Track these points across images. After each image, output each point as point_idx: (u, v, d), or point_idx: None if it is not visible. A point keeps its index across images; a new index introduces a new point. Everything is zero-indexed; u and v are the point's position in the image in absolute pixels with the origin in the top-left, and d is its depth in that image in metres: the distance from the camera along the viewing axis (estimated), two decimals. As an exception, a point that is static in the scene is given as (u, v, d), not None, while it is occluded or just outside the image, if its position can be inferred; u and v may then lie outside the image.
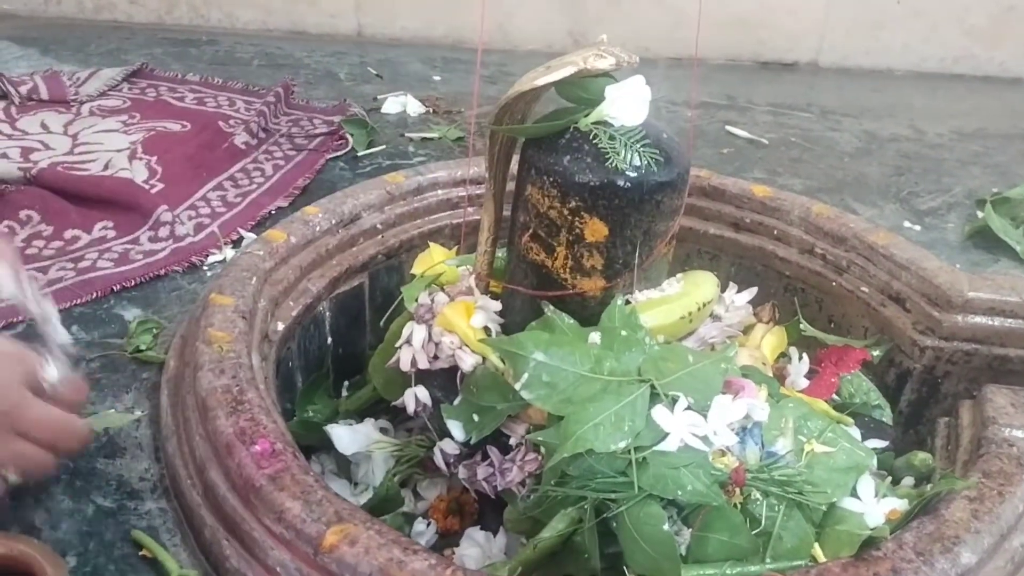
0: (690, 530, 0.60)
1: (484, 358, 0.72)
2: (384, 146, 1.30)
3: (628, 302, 0.71)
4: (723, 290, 0.82)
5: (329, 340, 0.95)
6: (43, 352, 0.63)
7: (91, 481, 0.68)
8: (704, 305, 0.76)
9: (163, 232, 1.02)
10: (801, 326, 0.86)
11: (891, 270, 0.90)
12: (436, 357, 0.75)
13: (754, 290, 0.83)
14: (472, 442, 0.70)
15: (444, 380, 0.76)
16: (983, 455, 0.66)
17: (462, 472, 0.73)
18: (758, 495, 0.61)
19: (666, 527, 0.57)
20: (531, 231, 0.72)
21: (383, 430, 0.86)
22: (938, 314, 0.86)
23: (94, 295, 0.90)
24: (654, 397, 0.62)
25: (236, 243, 1.02)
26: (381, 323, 0.86)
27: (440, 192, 1.02)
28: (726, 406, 0.62)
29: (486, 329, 0.75)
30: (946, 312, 0.85)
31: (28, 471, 0.61)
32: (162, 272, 0.94)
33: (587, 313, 0.71)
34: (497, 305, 0.76)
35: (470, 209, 0.98)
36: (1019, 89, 1.82)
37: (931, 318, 0.86)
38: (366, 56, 1.78)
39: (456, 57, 1.82)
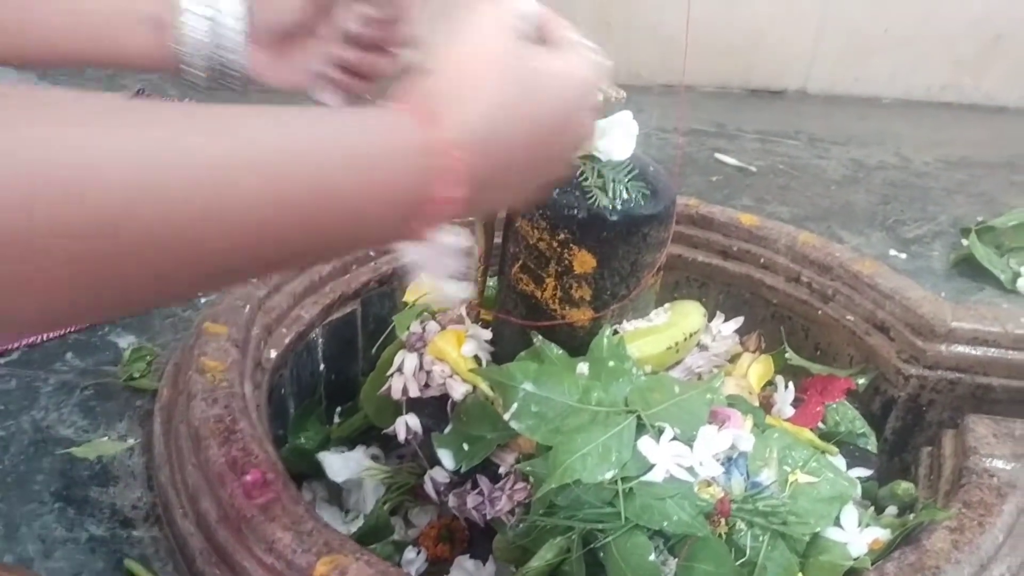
0: (676, 560, 0.61)
1: (475, 387, 0.73)
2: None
3: (616, 332, 0.72)
4: (710, 319, 0.83)
5: (322, 367, 0.96)
6: None
7: (84, 510, 0.68)
8: (691, 335, 0.77)
9: (157, 259, 1.02)
10: (787, 355, 0.87)
11: (876, 299, 0.92)
12: (427, 385, 0.76)
13: (740, 319, 0.85)
14: (462, 471, 0.71)
15: (435, 408, 0.76)
16: (964, 485, 0.67)
17: (452, 500, 0.73)
18: (743, 525, 0.62)
19: (652, 557, 0.58)
20: (521, 262, 0.73)
21: (374, 457, 0.86)
22: (922, 343, 0.87)
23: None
24: (641, 428, 0.63)
25: (230, 270, 1.03)
26: (373, 350, 0.87)
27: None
28: (712, 437, 0.63)
29: (476, 358, 0.76)
30: (930, 341, 0.87)
31: None
32: (156, 299, 0.95)
33: (576, 343, 0.72)
34: (487, 334, 0.77)
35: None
36: (1004, 117, 1.85)
37: (915, 347, 0.87)
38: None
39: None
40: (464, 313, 0.80)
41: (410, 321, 0.80)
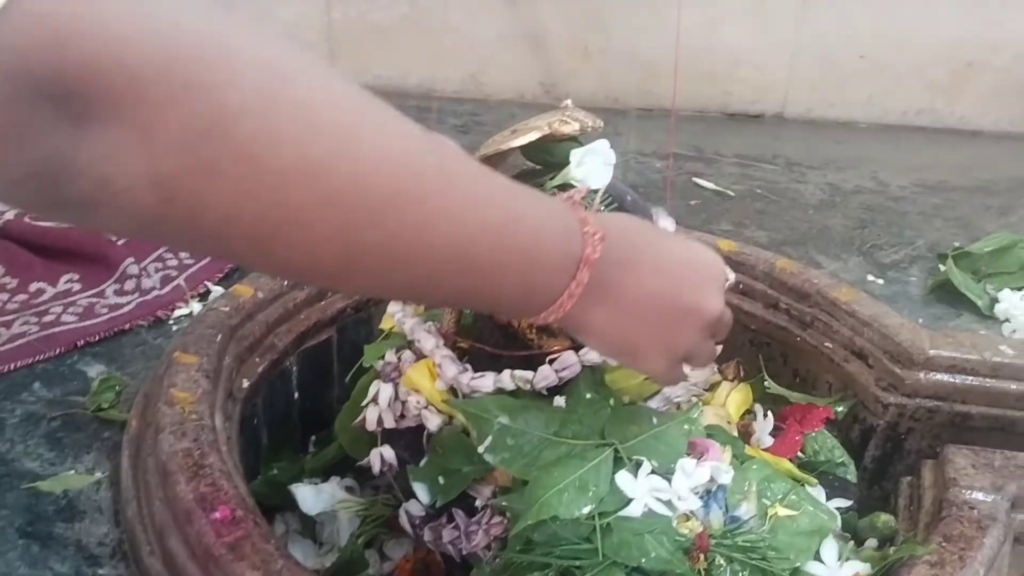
0: (655, 597, 0.60)
1: (451, 417, 0.72)
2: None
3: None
4: (689, 348, 0.82)
5: (296, 395, 0.94)
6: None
7: (49, 546, 0.67)
8: (669, 365, 0.76)
9: (129, 285, 1.01)
10: (765, 383, 0.87)
11: (854, 326, 0.91)
12: (402, 416, 0.75)
13: (718, 348, 0.84)
14: (437, 506, 0.69)
15: (411, 439, 0.75)
16: (944, 518, 0.67)
17: (428, 535, 0.72)
18: (722, 561, 0.61)
19: (630, 594, 0.57)
20: (497, 291, 0.73)
21: (349, 488, 0.85)
22: (900, 371, 0.87)
23: (57, 351, 0.89)
24: (618, 461, 0.62)
25: (203, 296, 1.02)
26: (347, 380, 0.86)
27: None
28: (690, 470, 0.63)
29: (452, 389, 0.75)
30: (908, 369, 0.86)
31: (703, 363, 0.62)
32: (127, 327, 0.94)
33: (553, 374, 0.71)
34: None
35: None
36: (979, 142, 1.86)
37: (893, 375, 0.87)
38: (338, 104, 1.79)
39: (429, 106, 1.83)
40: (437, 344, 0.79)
41: (381, 352, 0.78)
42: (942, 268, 1.19)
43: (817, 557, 0.65)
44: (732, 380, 0.85)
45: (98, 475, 0.73)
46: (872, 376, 0.89)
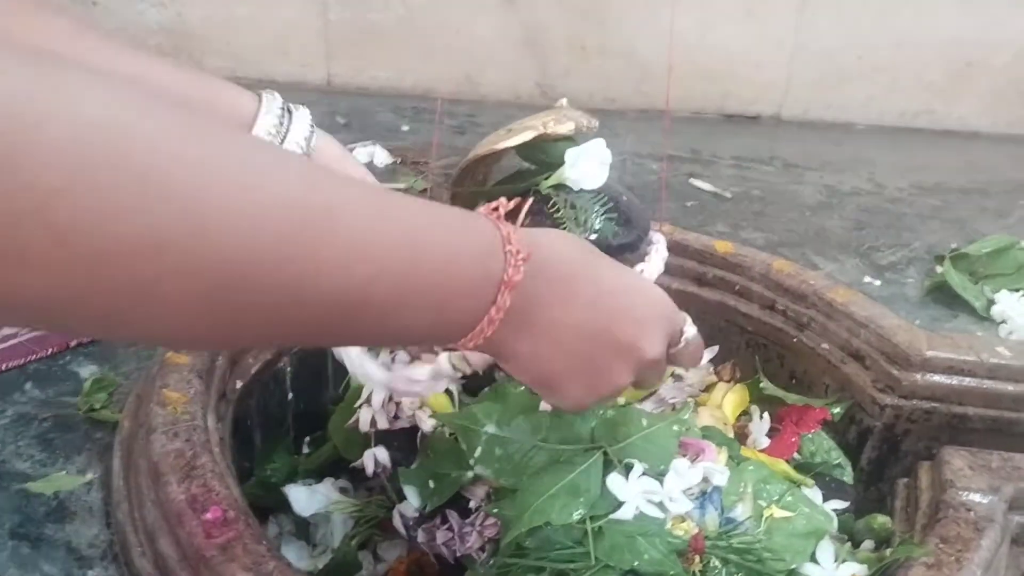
0: (649, 599, 0.59)
1: (444, 419, 0.72)
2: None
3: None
4: (684, 349, 0.82)
5: (290, 395, 0.94)
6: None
7: (39, 548, 0.66)
8: (664, 366, 0.76)
9: (123, 285, 1.00)
10: (762, 384, 0.86)
11: (850, 327, 0.91)
12: (396, 417, 0.75)
13: (715, 348, 0.84)
14: (428, 510, 0.69)
15: (404, 441, 0.75)
16: (941, 519, 0.66)
17: (421, 536, 0.71)
18: (717, 563, 0.60)
19: (624, 597, 0.57)
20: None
21: (343, 490, 0.84)
22: (897, 372, 0.86)
23: (49, 351, 0.88)
24: (609, 464, 0.61)
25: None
26: (340, 388, 0.85)
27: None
28: (684, 471, 0.62)
29: (447, 390, 0.74)
30: (905, 370, 0.86)
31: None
32: (120, 327, 0.93)
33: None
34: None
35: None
36: (977, 144, 1.86)
37: (890, 376, 0.87)
38: (335, 105, 1.79)
39: (425, 107, 1.83)
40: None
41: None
42: (939, 270, 1.18)
43: (813, 559, 0.64)
44: (728, 381, 0.85)
45: (89, 476, 0.73)
46: (869, 377, 0.89)
